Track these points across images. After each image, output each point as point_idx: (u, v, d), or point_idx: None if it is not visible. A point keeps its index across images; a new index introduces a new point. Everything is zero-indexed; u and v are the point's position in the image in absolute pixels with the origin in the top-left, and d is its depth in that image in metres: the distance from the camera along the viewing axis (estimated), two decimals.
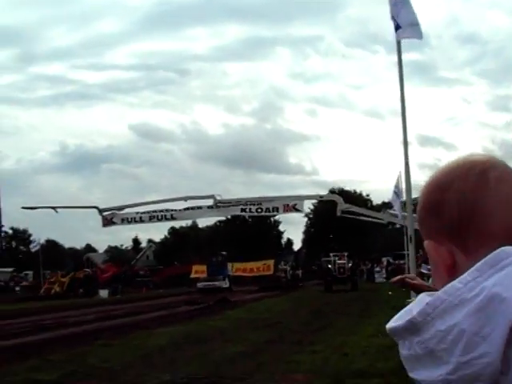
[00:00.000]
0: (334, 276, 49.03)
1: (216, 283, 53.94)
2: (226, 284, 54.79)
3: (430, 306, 1.15)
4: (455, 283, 1.16)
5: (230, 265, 62.03)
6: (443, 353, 1.13)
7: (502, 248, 1.18)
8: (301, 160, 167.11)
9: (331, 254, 54.46)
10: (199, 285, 54.92)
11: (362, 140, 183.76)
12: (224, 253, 61.77)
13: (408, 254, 18.66)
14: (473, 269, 1.16)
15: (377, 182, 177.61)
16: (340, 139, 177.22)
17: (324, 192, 70.16)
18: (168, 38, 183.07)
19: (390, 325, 1.23)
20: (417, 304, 1.20)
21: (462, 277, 1.16)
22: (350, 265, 51.55)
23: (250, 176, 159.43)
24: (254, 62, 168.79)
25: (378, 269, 65.40)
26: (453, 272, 1.27)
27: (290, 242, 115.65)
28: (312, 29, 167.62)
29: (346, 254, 53.61)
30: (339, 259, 51.75)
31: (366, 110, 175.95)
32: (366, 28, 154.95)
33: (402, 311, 1.24)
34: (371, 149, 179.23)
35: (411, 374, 1.20)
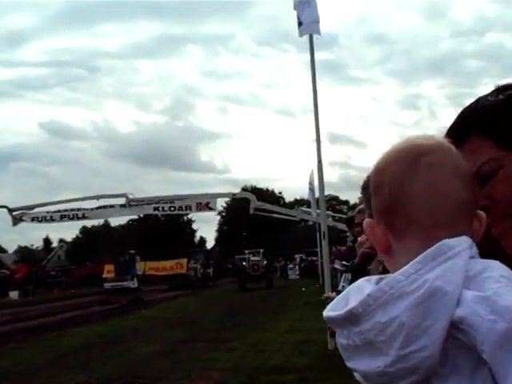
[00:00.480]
0: (248, 274, 48.34)
1: (124, 283, 51.33)
2: (134, 284, 52.11)
3: (371, 297, 1.16)
4: (397, 275, 1.17)
5: (142, 264, 61.01)
6: (382, 345, 1.14)
7: (444, 241, 1.19)
8: (212, 158, 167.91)
9: (246, 252, 54.07)
10: (106, 285, 52.15)
11: (274, 138, 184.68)
12: (132, 251, 58.58)
13: (321, 251, 18.85)
14: (415, 261, 1.17)
15: (289, 179, 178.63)
16: (252, 137, 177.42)
17: (236, 190, 70.47)
18: (79, 34, 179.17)
19: (328, 313, 1.24)
20: (356, 292, 1.22)
21: (404, 269, 1.17)
22: (264, 262, 51.07)
23: (162, 174, 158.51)
24: (165, 60, 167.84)
25: (291, 266, 65.86)
26: (388, 253, 1.30)
27: (203, 241, 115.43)
28: (223, 27, 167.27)
29: (261, 250, 53.10)
30: (254, 256, 51.20)
31: (278, 109, 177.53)
32: (277, 27, 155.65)
33: (339, 297, 1.26)
34: (283, 147, 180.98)
35: (348, 364, 1.23)
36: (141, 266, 60.26)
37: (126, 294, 43.35)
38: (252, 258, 50.36)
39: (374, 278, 1.25)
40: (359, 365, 1.20)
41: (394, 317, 1.12)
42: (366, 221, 1.35)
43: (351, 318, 1.18)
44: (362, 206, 5.44)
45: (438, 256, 1.16)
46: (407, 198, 1.26)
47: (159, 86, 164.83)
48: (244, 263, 50.69)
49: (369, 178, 3.19)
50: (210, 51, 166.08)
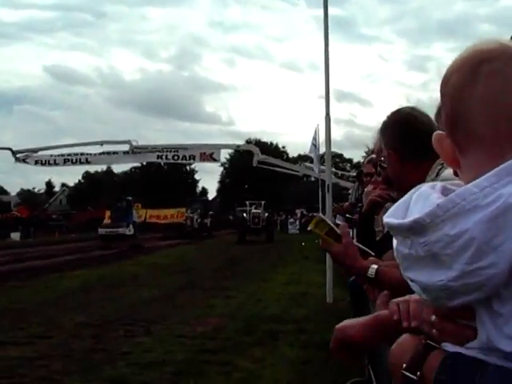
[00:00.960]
0: (248, 226, 46.21)
1: (119, 230, 48.78)
2: (129, 231, 49.62)
3: (441, 207, 1.13)
4: (470, 187, 1.13)
5: (143, 211, 60.95)
6: (448, 258, 1.12)
7: None
8: (217, 109, 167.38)
9: (247, 203, 52.14)
10: (101, 231, 49.74)
11: (280, 92, 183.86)
12: (129, 198, 56.54)
13: (324, 205, 18.82)
14: (490, 174, 1.12)
15: (293, 134, 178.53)
16: (257, 91, 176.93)
17: (240, 143, 70.28)
18: None
19: (391, 221, 1.21)
20: (420, 200, 1.19)
21: (477, 181, 1.13)
22: (265, 215, 48.62)
23: (166, 123, 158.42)
24: (173, 8, 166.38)
25: (291, 220, 65.99)
26: (458, 166, 1.26)
27: (204, 191, 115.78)
28: None
29: (262, 202, 51.64)
30: (255, 208, 49.35)
31: (285, 63, 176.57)
32: None
33: (399, 203, 1.23)
34: (288, 102, 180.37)
35: (407, 274, 1.21)
36: (141, 214, 59.94)
37: (123, 241, 43.38)
38: (253, 210, 48.30)
39: (439, 185, 1.22)
40: (419, 276, 1.18)
41: (465, 230, 1.09)
42: (435, 134, 1.31)
43: (417, 228, 1.15)
44: (371, 156, 5.40)
45: None
46: (467, 111, 1.22)
47: (166, 34, 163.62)
48: (244, 215, 47.95)
49: (388, 117, 3.15)
50: (218, 1, 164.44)
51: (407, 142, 2.91)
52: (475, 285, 1.10)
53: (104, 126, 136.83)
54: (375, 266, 2.85)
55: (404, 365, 1.28)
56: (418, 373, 1.24)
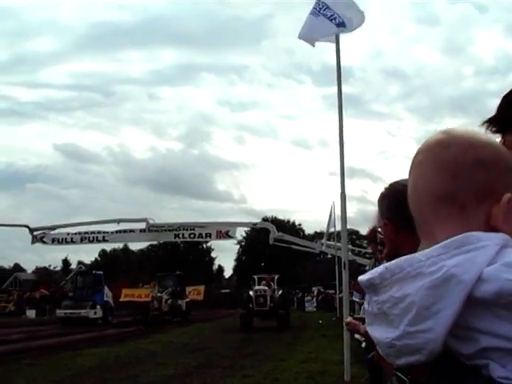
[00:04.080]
0: (251, 309, 34.27)
1: (81, 312, 40.58)
2: (95, 313, 41.61)
3: (390, 271, 1.21)
4: (418, 255, 1.20)
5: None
6: (394, 318, 1.18)
7: (473, 233, 1.19)
8: (229, 187, 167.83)
9: (255, 278, 41.03)
10: (59, 312, 41.97)
11: (290, 169, 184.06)
12: (99, 272, 47.01)
13: (340, 282, 18.78)
14: (439, 245, 1.19)
15: (305, 212, 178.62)
16: (267, 168, 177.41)
17: (253, 220, 70.52)
18: (100, 59, 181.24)
19: (360, 277, 1.28)
20: (384, 265, 1.25)
21: (426, 251, 1.20)
22: (279, 292, 37.05)
23: (178, 201, 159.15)
24: (182, 88, 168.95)
25: (308, 298, 65.58)
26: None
27: (221, 269, 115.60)
28: (239, 57, 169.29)
29: (276, 277, 40.16)
30: (263, 285, 37.22)
31: (293, 140, 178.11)
32: (292, 58, 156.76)
33: (378, 267, 1.29)
34: (299, 179, 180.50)
35: (368, 328, 1.27)
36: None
37: (87, 326, 37.55)
38: (256, 287, 36.93)
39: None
40: (374, 332, 1.25)
41: (407, 294, 1.16)
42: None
43: (370, 287, 1.23)
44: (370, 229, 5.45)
45: (462, 245, 1.17)
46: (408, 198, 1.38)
47: (175, 113, 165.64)
48: (251, 293, 35.81)
49: (385, 189, 3.25)
50: (227, 81, 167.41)
51: (402, 213, 2.96)
52: (414, 346, 1.16)
53: (117, 204, 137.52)
54: None
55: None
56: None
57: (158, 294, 43.48)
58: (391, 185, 3.15)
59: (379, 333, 1.23)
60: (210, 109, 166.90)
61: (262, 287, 36.36)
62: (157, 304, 42.20)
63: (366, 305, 1.27)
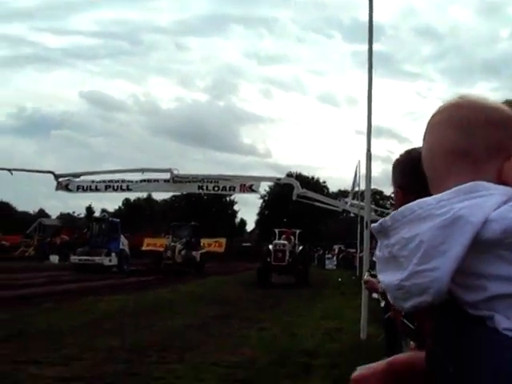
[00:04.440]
0: (269, 263, 33.00)
1: (96, 259, 40.28)
2: (110, 261, 41.14)
3: (401, 213, 1.26)
4: (428, 199, 1.25)
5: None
6: (403, 259, 1.22)
7: (482, 182, 1.25)
8: (254, 141, 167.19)
9: (276, 231, 39.75)
10: (73, 258, 41.69)
11: (316, 126, 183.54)
12: (116, 220, 47.00)
13: (362, 242, 18.76)
14: (449, 191, 1.24)
15: (330, 169, 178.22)
16: (294, 123, 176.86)
17: (277, 175, 70.33)
18: (129, 7, 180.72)
19: (373, 224, 1.34)
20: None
21: (437, 195, 1.25)
22: (300, 248, 36.07)
23: (202, 153, 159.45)
24: (210, 39, 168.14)
25: (329, 256, 65.62)
26: None
27: (243, 222, 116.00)
28: (269, 10, 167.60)
29: (297, 231, 38.98)
30: (284, 238, 35.70)
31: (321, 96, 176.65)
32: (323, 12, 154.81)
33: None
34: (325, 136, 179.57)
35: (378, 276, 1.32)
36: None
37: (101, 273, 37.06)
38: (276, 241, 35.21)
39: None
40: (384, 277, 1.29)
41: (416, 234, 1.21)
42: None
43: (382, 231, 1.28)
44: None
45: (471, 192, 1.23)
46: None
47: (202, 64, 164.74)
48: (270, 247, 34.23)
49: (400, 156, 3.23)
50: (256, 33, 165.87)
51: (414, 181, 2.94)
52: (422, 286, 1.20)
53: (141, 153, 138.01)
54: None
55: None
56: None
57: (172, 244, 43.03)
58: (407, 151, 3.12)
59: (388, 277, 1.27)
60: (238, 61, 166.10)
61: (281, 241, 34.92)
62: (170, 253, 41.97)
63: (377, 252, 1.31)
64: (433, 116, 1.43)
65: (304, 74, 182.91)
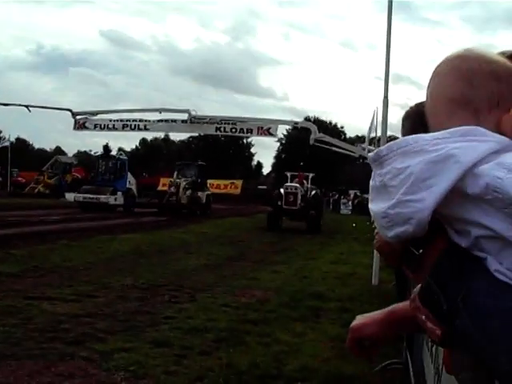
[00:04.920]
0: (279, 207, 31.61)
1: (101, 197, 39.29)
2: (116, 200, 40.29)
3: (396, 144, 1.30)
4: (425, 135, 1.29)
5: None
6: (392, 189, 1.27)
7: (479, 127, 1.28)
8: (272, 84, 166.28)
9: (288, 175, 38.57)
10: (78, 197, 40.40)
11: (334, 70, 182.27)
12: (124, 157, 45.56)
13: None
14: (446, 131, 1.28)
15: (349, 114, 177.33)
16: (311, 67, 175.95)
17: (295, 119, 69.90)
18: None
19: (370, 153, 1.39)
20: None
21: (434, 133, 1.29)
22: (312, 193, 33.90)
23: (220, 95, 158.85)
24: None
25: (344, 200, 65.63)
26: None
27: (259, 165, 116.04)
28: None
29: (310, 175, 38.08)
30: (297, 182, 34.36)
31: (340, 40, 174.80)
32: None
33: None
34: (343, 80, 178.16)
35: (369, 205, 1.35)
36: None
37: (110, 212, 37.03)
38: (288, 184, 33.91)
39: None
40: (374, 205, 1.33)
41: (408, 166, 1.25)
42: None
43: (377, 160, 1.32)
44: None
45: (467, 135, 1.26)
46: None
47: (221, 4, 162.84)
48: (282, 190, 32.65)
49: (411, 108, 3.19)
50: None
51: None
52: (405, 215, 1.25)
53: (159, 93, 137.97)
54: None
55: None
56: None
57: (177, 180, 41.79)
58: (417, 105, 3.08)
59: (377, 205, 1.31)
60: (258, 2, 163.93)
61: (293, 184, 33.50)
62: (173, 189, 40.82)
63: (370, 182, 1.34)
64: (438, 65, 1.46)
65: (323, 18, 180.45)
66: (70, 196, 53.51)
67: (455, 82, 1.39)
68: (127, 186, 42.51)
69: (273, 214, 31.77)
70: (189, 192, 41.24)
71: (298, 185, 32.96)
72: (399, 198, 1.25)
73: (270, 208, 32.50)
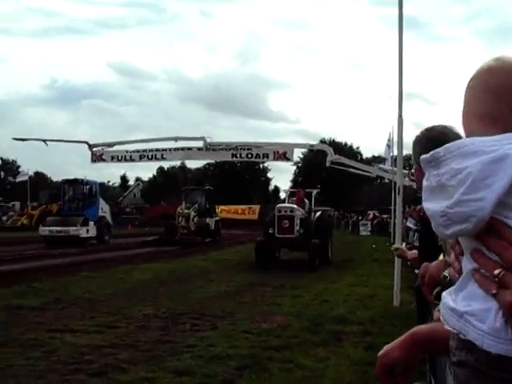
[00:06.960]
0: (271, 236, 23.54)
1: (70, 229, 33.99)
2: (88, 232, 35.16)
3: (455, 145, 1.36)
4: (481, 138, 1.34)
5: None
6: (451, 188, 1.32)
7: None
8: (283, 107, 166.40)
9: (285, 191, 34.91)
10: (43, 230, 34.89)
11: (345, 91, 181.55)
12: (95, 181, 40.23)
13: (395, 208, 18.67)
14: (503, 135, 1.34)
15: (363, 135, 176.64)
16: (321, 88, 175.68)
17: (311, 141, 69.99)
18: None
19: (423, 156, 1.43)
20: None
21: (491, 137, 1.34)
22: (317, 214, 26.01)
23: (232, 120, 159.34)
24: (234, 4, 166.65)
25: (363, 222, 65.32)
26: None
27: (277, 190, 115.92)
28: None
29: (314, 191, 28.71)
30: (293, 201, 26.26)
31: (349, 61, 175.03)
32: None
33: None
34: (355, 101, 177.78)
35: (424, 203, 1.41)
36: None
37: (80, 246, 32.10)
38: (281, 206, 25.24)
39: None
40: (430, 205, 1.38)
41: (466, 166, 1.30)
42: None
43: (433, 161, 1.39)
44: None
45: None
46: None
47: (226, 31, 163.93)
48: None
49: (421, 133, 3.26)
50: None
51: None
52: (465, 214, 1.29)
53: (172, 122, 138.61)
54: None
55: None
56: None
57: (186, 211, 38.38)
58: (427, 130, 3.13)
59: (433, 204, 1.36)
60: (263, 27, 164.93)
61: (287, 205, 25.40)
62: (184, 222, 37.90)
63: (424, 182, 1.41)
64: (469, 80, 1.52)
65: (330, 39, 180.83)
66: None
67: (484, 97, 1.45)
68: (99, 213, 37.56)
69: (261, 245, 23.84)
70: (196, 219, 38.95)
71: (294, 205, 24.90)
72: (458, 197, 1.30)
73: (261, 238, 24.67)
